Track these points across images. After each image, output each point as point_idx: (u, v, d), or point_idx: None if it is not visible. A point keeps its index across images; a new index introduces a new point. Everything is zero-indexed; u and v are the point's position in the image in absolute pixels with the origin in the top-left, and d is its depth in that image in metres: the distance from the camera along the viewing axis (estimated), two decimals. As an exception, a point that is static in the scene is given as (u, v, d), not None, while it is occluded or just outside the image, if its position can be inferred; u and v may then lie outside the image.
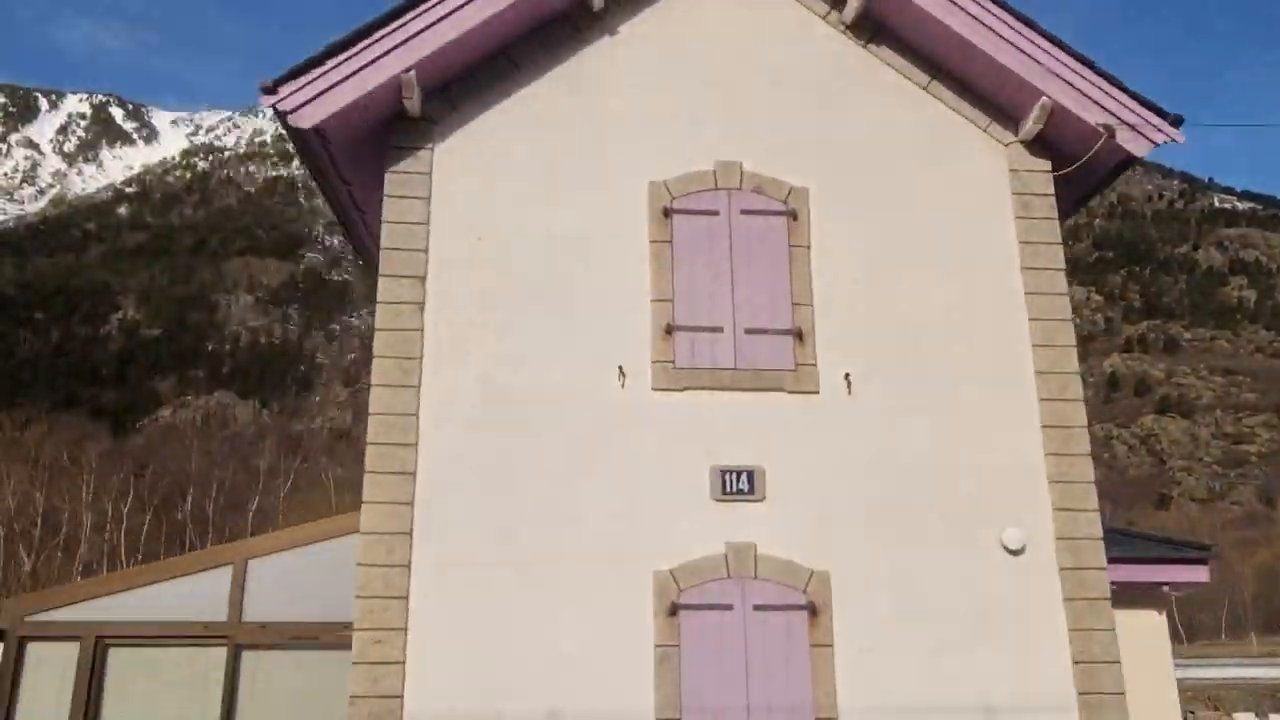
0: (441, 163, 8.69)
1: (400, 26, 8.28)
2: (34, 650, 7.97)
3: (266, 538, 8.86)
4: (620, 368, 8.21)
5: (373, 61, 8.17)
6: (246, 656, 8.08)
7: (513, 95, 8.95)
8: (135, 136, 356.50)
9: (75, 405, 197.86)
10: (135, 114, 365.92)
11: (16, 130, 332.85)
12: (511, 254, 8.54)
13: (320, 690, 8.14)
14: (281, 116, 7.99)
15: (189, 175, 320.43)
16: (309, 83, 8.03)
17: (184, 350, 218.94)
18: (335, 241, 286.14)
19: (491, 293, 8.41)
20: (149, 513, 53.99)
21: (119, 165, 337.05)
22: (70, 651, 7.95)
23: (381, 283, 8.32)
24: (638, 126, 8.97)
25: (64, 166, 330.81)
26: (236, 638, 8.09)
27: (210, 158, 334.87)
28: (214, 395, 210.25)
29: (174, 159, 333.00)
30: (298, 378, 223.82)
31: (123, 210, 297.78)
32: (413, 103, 8.50)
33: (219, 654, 8.07)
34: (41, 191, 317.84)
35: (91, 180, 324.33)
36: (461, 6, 8.37)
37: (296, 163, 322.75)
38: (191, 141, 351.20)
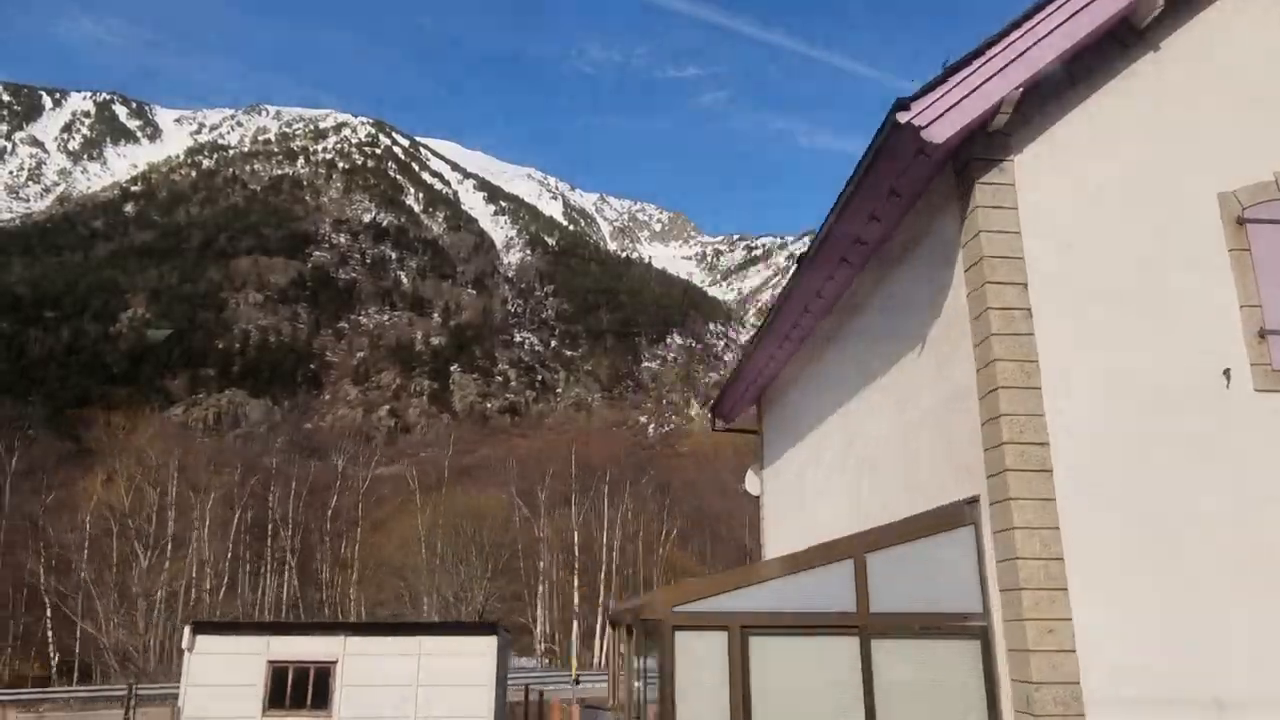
0: (1021, 173, 9.09)
1: (1011, 44, 8.69)
2: (683, 639, 8.35)
3: (879, 530, 9.23)
4: (1226, 371, 8.62)
5: (990, 78, 8.58)
6: (876, 645, 8.46)
7: (1075, 108, 9.35)
8: (139, 135, 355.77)
9: (88, 403, 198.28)
10: (139, 112, 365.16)
11: (21, 128, 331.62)
12: (1099, 260, 8.94)
13: (942, 679, 8.54)
14: (913, 131, 8.39)
15: (194, 173, 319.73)
16: (937, 99, 8.43)
17: (195, 349, 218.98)
18: (342, 240, 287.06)
19: (1087, 297, 8.82)
20: (238, 509, 54.28)
21: (124, 163, 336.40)
22: (717, 640, 8.33)
23: (989, 290, 8.70)
24: (1192, 138, 9.39)
25: (69, 165, 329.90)
26: (866, 627, 8.47)
27: (215, 156, 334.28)
28: (225, 393, 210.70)
29: (179, 157, 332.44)
30: (308, 376, 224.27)
31: (129, 209, 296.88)
32: (1002, 117, 8.90)
33: (850, 643, 8.45)
34: (47, 190, 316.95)
35: (97, 178, 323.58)
36: (1062, 24, 8.78)
37: (301, 161, 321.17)
38: (196, 140, 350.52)
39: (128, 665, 37.75)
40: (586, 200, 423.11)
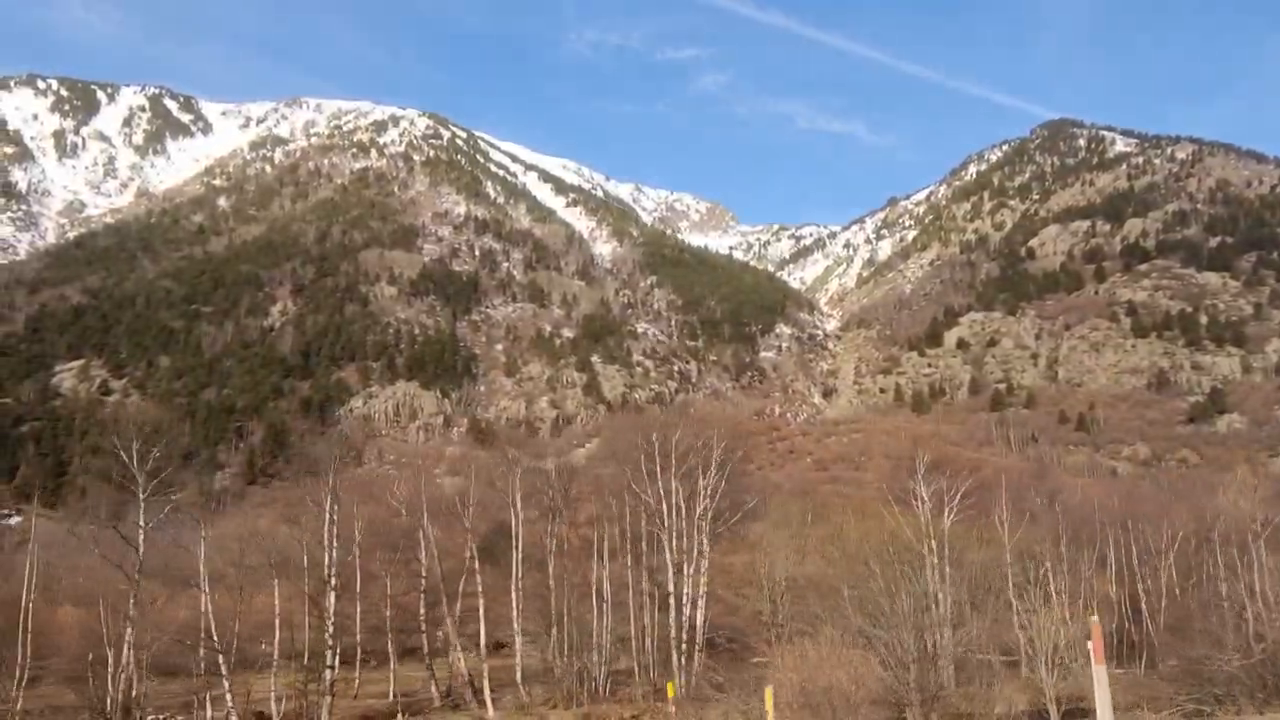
0: None
1: None
2: None
3: None
4: None
5: None
6: None
7: None
8: (193, 128, 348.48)
9: (281, 396, 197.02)
10: (188, 105, 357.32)
11: (85, 124, 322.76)
12: None
13: None
14: None
15: (267, 167, 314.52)
16: None
17: (354, 341, 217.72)
18: (445, 232, 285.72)
19: None
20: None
21: (186, 156, 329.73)
22: None
23: None
24: None
25: (138, 159, 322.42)
26: None
27: (277, 149, 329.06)
28: (396, 385, 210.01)
29: (244, 150, 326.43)
30: (465, 368, 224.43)
31: (222, 203, 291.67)
32: None
33: None
34: (124, 185, 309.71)
35: (165, 172, 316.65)
36: None
37: (374, 155, 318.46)
38: (256, 133, 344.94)
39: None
40: (623, 190, 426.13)
